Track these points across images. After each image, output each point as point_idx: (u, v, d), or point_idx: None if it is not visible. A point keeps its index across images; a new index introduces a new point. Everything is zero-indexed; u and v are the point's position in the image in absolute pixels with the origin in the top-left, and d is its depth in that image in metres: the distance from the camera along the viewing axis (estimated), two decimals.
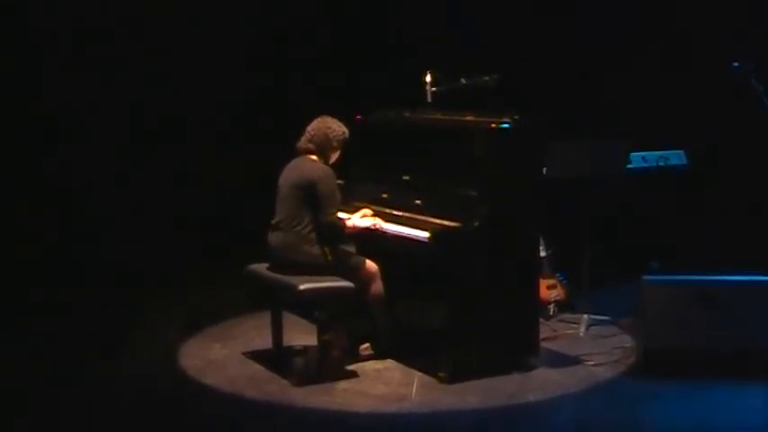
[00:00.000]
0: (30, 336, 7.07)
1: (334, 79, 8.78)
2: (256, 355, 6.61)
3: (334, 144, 6.33)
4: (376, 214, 6.43)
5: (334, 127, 6.34)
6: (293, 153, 6.37)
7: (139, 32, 8.54)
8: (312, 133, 6.33)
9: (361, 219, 6.36)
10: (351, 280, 6.14)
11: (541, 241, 6.96)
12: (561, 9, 8.36)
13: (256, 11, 8.88)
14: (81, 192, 8.47)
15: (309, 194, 6.15)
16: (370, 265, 6.32)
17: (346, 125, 6.41)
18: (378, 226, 6.31)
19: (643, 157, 7.29)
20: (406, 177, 6.62)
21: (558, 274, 7.41)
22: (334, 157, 6.37)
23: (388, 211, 6.47)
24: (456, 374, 6.05)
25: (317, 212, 6.15)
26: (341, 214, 6.36)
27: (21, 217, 8.19)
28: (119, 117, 8.60)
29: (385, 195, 6.66)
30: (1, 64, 8.13)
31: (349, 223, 6.30)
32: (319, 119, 6.37)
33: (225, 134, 8.93)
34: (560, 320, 7.21)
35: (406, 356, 6.40)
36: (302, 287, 6.01)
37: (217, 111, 8.87)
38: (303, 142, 6.34)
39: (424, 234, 6.05)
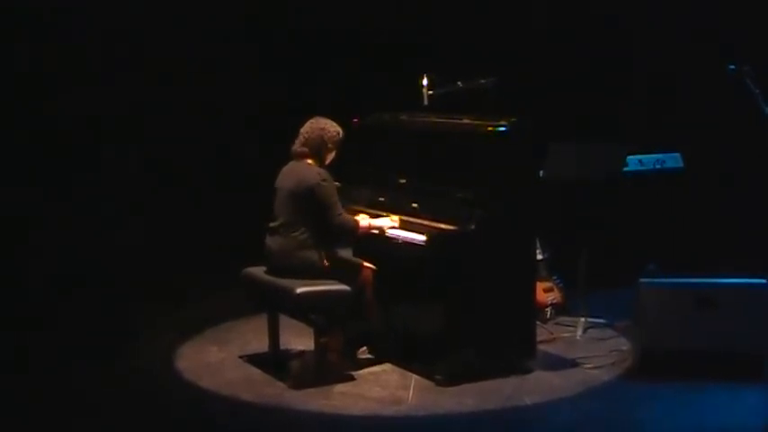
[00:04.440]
0: (26, 339, 7.07)
1: (332, 82, 8.79)
2: (253, 358, 6.61)
3: (330, 145, 6.31)
4: (378, 218, 6.44)
5: (327, 128, 6.31)
6: (289, 156, 6.36)
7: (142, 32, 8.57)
8: (306, 136, 6.30)
9: (376, 219, 6.36)
10: (348, 283, 6.13)
11: (538, 244, 6.97)
12: (559, 11, 8.39)
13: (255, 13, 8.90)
14: (79, 193, 8.48)
15: (308, 201, 6.14)
16: (367, 268, 6.32)
17: (342, 127, 6.40)
18: (384, 228, 6.30)
19: (640, 161, 7.29)
20: (403, 181, 6.62)
21: (554, 277, 7.41)
22: (330, 157, 6.35)
23: (384, 214, 6.46)
24: (453, 377, 6.06)
25: (323, 217, 6.13)
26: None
27: (20, 216, 8.20)
28: (116, 117, 8.60)
29: (382, 199, 6.66)
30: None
31: (364, 223, 6.30)
32: (312, 120, 6.35)
33: (223, 136, 8.93)
34: (557, 323, 7.22)
35: (404, 359, 6.40)
36: (299, 290, 6.01)
37: (216, 112, 8.87)
38: (298, 146, 6.32)
39: (421, 237, 6.05)
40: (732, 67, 6.43)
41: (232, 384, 6.18)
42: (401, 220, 6.35)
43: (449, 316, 6.07)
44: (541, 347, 6.55)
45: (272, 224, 6.28)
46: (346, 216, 6.22)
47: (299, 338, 6.76)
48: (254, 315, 7.18)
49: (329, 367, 6.23)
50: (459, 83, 6.83)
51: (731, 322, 6.07)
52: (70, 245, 8.31)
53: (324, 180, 6.16)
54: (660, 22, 8.27)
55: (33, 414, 5.84)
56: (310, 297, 6.04)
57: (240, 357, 6.67)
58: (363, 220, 6.33)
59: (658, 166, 7.34)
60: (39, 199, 8.32)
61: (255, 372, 6.41)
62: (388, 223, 6.34)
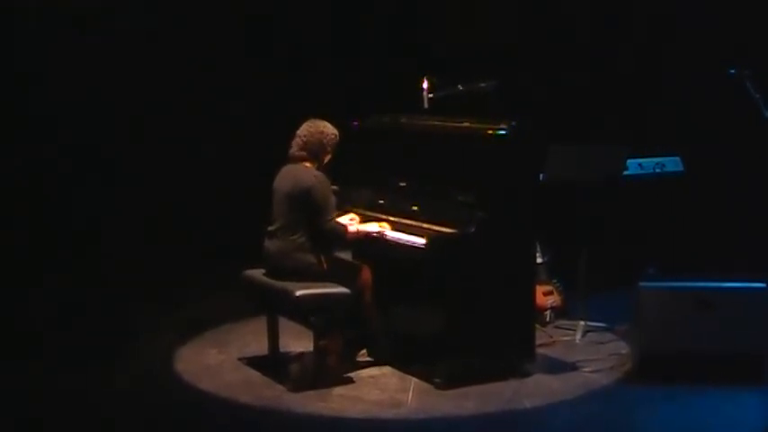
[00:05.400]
0: (25, 338, 7.07)
1: (332, 83, 8.79)
2: (252, 361, 6.60)
3: (328, 148, 6.30)
4: (371, 220, 6.43)
5: (326, 131, 6.29)
6: (287, 158, 6.35)
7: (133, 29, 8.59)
8: (305, 139, 6.27)
9: (365, 225, 6.35)
10: (347, 286, 6.13)
11: (538, 248, 6.97)
12: (560, 13, 8.39)
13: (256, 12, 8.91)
14: (79, 193, 8.48)
15: (304, 203, 6.13)
16: (366, 271, 6.32)
17: (341, 129, 6.39)
18: (383, 233, 6.30)
19: (639, 164, 7.30)
20: (403, 183, 6.62)
21: (554, 281, 7.41)
22: (327, 159, 6.34)
23: (384, 217, 6.46)
24: (452, 380, 6.05)
25: (315, 220, 6.14)
26: (344, 220, 6.36)
27: (18, 217, 8.21)
28: (116, 116, 8.61)
29: (381, 201, 6.65)
30: None
31: (352, 229, 6.29)
32: (309, 123, 6.32)
33: (224, 137, 8.93)
34: (556, 327, 7.21)
35: (403, 362, 6.40)
36: (299, 293, 6.01)
37: (216, 113, 8.88)
38: (296, 149, 6.28)
39: (421, 240, 6.05)
40: (732, 70, 6.43)
41: (231, 386, 6.18)
42: (401, 223, 6.34)
43: (448, 319, 6.07)
44: (541, 351, 6.55)
45: (270, 228, 6.27)
46: (336, 222, 6.22)
47: (298, 341, 6.76)
48: (254, 317, 7.18)
49: (328, 370, 6.23)
50: (459, 86, 6.82)
51: (730, 325, 6.07)
52: (71, 244, 8.33)
53: (320, 183, 6.16)
54: (660, 23, 8.26)
55: (33, 414, 5.84)
56: (309, 299, 6.03)
57: (239, 359, 6.67)
58: (351, 225, 6.33)
59: (658, 170, 7.34)
60: (39, 198, 8.34)
61: (254, 374, 6.40)
62: (377, 228, 6.33)
